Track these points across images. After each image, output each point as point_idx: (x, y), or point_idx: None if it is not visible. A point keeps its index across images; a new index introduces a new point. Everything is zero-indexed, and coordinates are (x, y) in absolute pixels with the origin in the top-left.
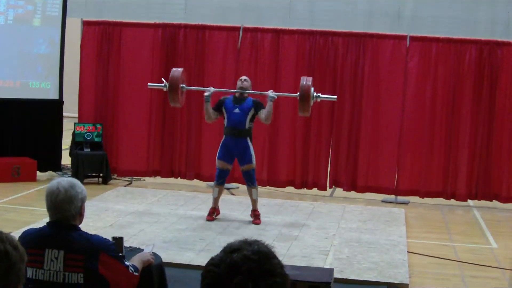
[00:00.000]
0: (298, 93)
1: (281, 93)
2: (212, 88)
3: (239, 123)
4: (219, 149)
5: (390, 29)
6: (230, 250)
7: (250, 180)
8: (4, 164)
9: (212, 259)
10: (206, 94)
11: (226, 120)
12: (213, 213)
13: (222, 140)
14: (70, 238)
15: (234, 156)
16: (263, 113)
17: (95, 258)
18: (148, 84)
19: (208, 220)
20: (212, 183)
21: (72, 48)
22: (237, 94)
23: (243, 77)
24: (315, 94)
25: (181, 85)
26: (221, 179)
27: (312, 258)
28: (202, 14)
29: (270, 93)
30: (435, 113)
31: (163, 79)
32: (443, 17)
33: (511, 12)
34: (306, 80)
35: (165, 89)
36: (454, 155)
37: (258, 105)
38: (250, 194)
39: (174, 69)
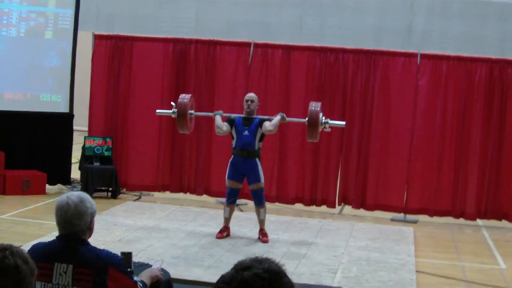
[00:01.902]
0: (307, 119)
1: (289, 118)
2: (221, 111)
3: (249, 145)
4: (228, 169)
5: (400, 45)
6: (241, 268)
7: (258, 199)
8: (14, 177)
9: (223, 276)
10: (215, 112)
11: (235, 141)
12: (224, 232)
13: (230, 160)
14: (79, 253)
15: (243, 174)
16: (267, 123)
17: (104, 272)
18: (157, 111)
19: (217, 237)
20: (221, 199)
21: (83, 61)
22: (245, 114)
23: (249, 97)
24: (324, 119)
25: (190, 111)
26: (232, 198)
27: (321, 276)
28: (212, 29)
29: (280, 113)
30: (445, 132)
31: (172, 102)
32: (453, 33)
33: None
34: (315, 106)
35: (173, 115)
36: (464, 173)
37: (262, 120)
38: (258, 214)
39: (181, 95)
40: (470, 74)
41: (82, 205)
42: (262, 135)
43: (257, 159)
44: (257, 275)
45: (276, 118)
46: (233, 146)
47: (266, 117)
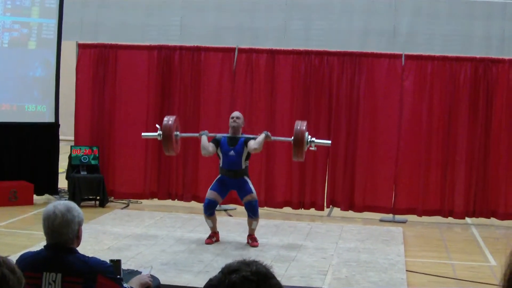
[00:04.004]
0: (292, 138)
1: (275, 137)
2: (206, 131)
3: (235, 165)
4: (214, 183)
5: (386, 46)
6: (228, 271)
7: (252, 211)
8: (1, 188)
9: (210, 280)
10: (200, 133)
11: (221, 161)
12: (213, 237)
13: (218, 177)
14: (67, 261)
15: (230, 191)
16: (252, 142)
17: (93, 280)
18: (142, 134)
19: (207, 243)
20: None
21: (67, 71)
22: (230, 133)
23: (235, 115)
24: (309, 138)
25: (175, 133)
26: (211, 210)
27: (311, 279)
28: (198, 35)
29: (266, 132)
30: (432, 132)
31: (157, 125)
32: (439, 33)
33: (506, 28)
34: (301, 125)
35: (159, 138)
36: (451, 173)
37: (247, 139)
38: (250, 224)
39: (166, 117)
40: (455, 73)
41: (69, 214)
42: (249, 154)
43: (245, 177)
44: (245, 278)
45: (261, 136)
46: (220, 166)
47: (251, 136)
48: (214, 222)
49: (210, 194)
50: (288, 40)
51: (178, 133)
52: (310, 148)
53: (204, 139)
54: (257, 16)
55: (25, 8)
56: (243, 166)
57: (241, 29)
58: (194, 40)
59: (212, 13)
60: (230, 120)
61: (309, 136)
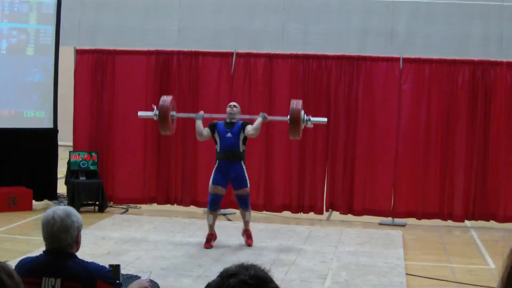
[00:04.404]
0: (289, 116)
1: (271, 117)
2: (202, 112)
3: (233, 146)
4: (213, 174)
5: (384, 48)
6: (227, 275)
7: (244, 203)
8: (0, 194)
9: (209, 284)
10: (197, 114)
11: (218, 145)
12: (211, 240)
13: (215, 166)
14: (66, 266)
15: (228, 179)
16: (249, 127)
17: (92, 285)
18: (138, 113)
19: (206, 247)
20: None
21: (66, 76)
22: (227, 119)
23: (232, 103)
24: (305, 117)
25: (171, 113)
26: (215, 205)
27: (310, 283)
28: (196, 39)
29: (262, 113)
30: (430, 135)
31: (153, 105)
32: (436, 35)
33: (504, 29)
34: (296, 104)
35: (155, 118)
36: (450, 175)
37: (245, 124)
38: (243, 216)
39: (163, 97)
40: (453, 76)
41: (68, 219)
42: (245, 138)
43: (242, 162)
44: (243, 282)
45: (258, 121)
46: (217, 150)
47: (247, 116)
48: (214, 219)
49: (213, 188)
50: (286, 43)
51: (174, 113)
52: (307, 126)
53: (199, 124)
54: (254, 20)
55: (22, 14)
56: (241, 149)
57: (239, 33)
58: (192, 44)
59: (209, 17)
60: (228, 109)
61: (305, 114)
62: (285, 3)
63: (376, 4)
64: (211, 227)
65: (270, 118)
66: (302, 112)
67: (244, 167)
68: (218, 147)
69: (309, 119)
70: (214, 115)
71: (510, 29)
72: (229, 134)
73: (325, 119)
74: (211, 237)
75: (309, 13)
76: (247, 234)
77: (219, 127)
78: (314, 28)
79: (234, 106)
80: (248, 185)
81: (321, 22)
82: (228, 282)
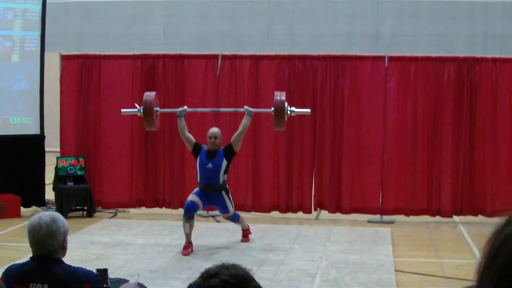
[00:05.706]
0: (273, 108)
1: (256, 109)
2: (185, 107)
3: (213, 179)
4: (195, 190)
5: (370, 49)
6: (207, 275)
7: (233, 220)
8: None
9: (190, 285)
10: (179, 110)
11: (199, 173)
12: (189, 248)
13: (197, 189)
14: (53, 272)
15: (209, 204)
16: (234, 136)
17: None
18: (122, 110)
19: (184, 254)
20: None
21: (52, 82)
22: (209, 148)
23: (212, 134)
24: (289, 108)
25: (155, 108)
26: (190, 213)
27: (300, 282)
28: (181, 43)
29: (247, 107)
30: (417, 132)
31: (136, 104)
32: (422, 34)
33: (489, 27)
34: (280, 95)
35: (139, 114)
36: (438, 172)
37: (226, 148)
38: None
39: (146, 93)
40: (439, 73)
41: (54, 225)
42: (227, 167)
43: (223, 192)
44: (224, 281)
45: (243, 121)
46: (198, 180)
47: (232, 109)
48: (191, 228)
49: (191, 197)
50: (271, 46)
51: (158, 108)
52: (291, 115)
53: (179, 121)
54: (240, 22)
55: (7, 21)
56: (221, 181)
57: (224, 36)
58: (178, 48)
59: (195, 20)
60: (209, 142)
61: (288, 106)
62: (270, 6)
63: (361, 4)
64: (188, 236)
65: (254, 110)
66: (286, 103)
67: (225, 195)
68: (199, 177)
69: (293, 111)
70: (199, 110)
71: (495, 26)
72: (209, 165)
73: (309, 110)
74: (189, 245)
75: (295, 15)
76: (243, 233)
77: (201, 155)
78: (300, 30)
79: (215, 137)
80: (231, 209)
81: (307, 24)
82: (210, 282)
